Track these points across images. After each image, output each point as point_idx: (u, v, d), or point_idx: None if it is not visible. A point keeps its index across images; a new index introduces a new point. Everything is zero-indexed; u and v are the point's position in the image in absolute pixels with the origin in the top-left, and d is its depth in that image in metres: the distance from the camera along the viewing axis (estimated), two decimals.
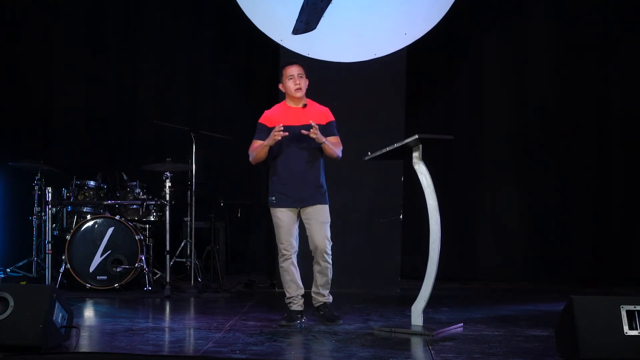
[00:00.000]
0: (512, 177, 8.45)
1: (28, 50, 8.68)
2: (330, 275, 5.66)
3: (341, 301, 6.78)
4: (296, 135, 5.48)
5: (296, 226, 5.60)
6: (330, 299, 5.72)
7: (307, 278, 5.76)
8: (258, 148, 5.53)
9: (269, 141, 5.42)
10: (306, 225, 5.59)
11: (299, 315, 5.60)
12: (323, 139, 5.46)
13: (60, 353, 4.56)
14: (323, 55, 7.46)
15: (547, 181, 8.40)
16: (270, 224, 5.83)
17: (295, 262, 5.64)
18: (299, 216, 5.60)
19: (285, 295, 5.69)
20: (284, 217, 5.56)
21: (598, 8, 8.37)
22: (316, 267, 5.63)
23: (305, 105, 5.62)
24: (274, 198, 5.58)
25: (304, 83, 5.61)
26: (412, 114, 7.89)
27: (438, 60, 8.46)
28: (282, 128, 5.35)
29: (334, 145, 5.56)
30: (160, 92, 8.76)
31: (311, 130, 5.37)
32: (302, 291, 5.65)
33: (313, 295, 5.70)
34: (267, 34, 7.54)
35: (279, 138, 5.38)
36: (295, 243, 5.61)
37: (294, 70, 5.60)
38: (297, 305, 5.63)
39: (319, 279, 5.64)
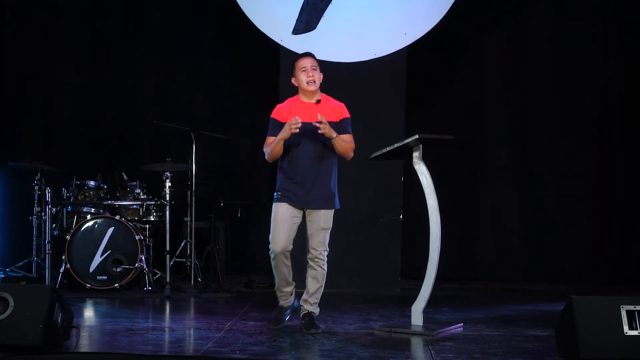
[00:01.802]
0: (512, 177, 8.46)
1: (28, 50, 8.68)
2: (323, 282, 5.41)
3: (341, 301, 6.80)
4: (308, 133, 5.19)
5: (296, 227, 5.32)
6: (317, 311, 5.43)
7: (302, 277, 5.53)
8: (272, 143, 5.23)
9: (284, 134, 5.12)
10: (308, 228, 5.36)
11: (288, 312, 5.47)
12: (334, 134, 5.15)
13: (60, 353, 4.56)
14: (323, 55, 7.38)
15: (547, 181, 8.40)
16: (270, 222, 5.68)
17: (287, 261, 5.33)
18: (303, 217, 5.35)
19: (274, 286, 5.54)
20: (285, 214, 5.27)
21: (598, 8, 8.38)
22: (310, 272, 5.37)
23: (319, 101, 5.33)
24: (279, 194, 5.31)
25: (317, 76, 5.33)
26: (412, 114, 7.89)
27: (438, 60, 8.45)
28: (299, 121, 5.05)
29: (345, 142, 5.25)
30: (160, 92, 8.76)
31: (321, 124, 5.08)
32: (292, 287, 5.45)
33: (301, 303, 5.45)
34: (267, 34, 7.54)
35: (296, 131, 5.08)
36: (290, 244, 5.29)
37: (307, 62, 5.35)
38: (286, 301, 5.47)
39: (311, 285, 5.37)
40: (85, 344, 4.93)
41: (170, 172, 7.40)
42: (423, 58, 8.07)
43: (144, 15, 8.80)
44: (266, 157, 5.36)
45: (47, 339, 4.44)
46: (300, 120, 5.09)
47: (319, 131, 5.13)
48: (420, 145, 5.39)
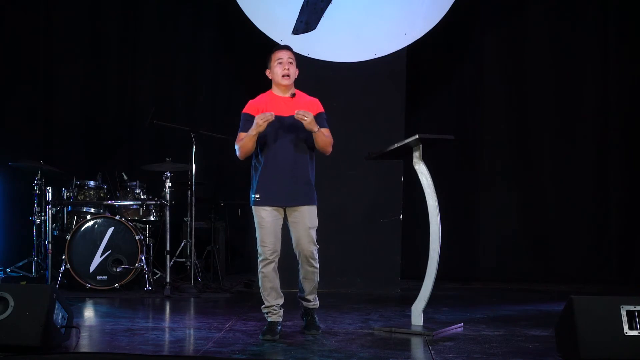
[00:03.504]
0: (512, 176, 8.45)
1: (28, 50, 8.68)
2: (317, 279, 5.25)
3: (341, 301, 6.80)
4: (284, 127, 5.04)
5: (280, 228, 5.13)
6: (316, 304, 5.35)
7: (294, 279, 5.41)
8: (245, 138, 5.04)
9: (259, 127, 4.94)
10: (291, 228, 5.17)
11: (279, 327, 5.17)
12: (315, 127, 4.97)
13: (60, 353, 4.56)
14: (323, 55, 7.46)
15: (547, 181, 8.40)
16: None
17: (277, 267, 5.16)
18: (284, 216, 5.17)
19: (262, 304, 5.23)
20: (268, 217, 5.09)
21: (598, 7, 8.38)
22: (302, 273, 5.22)
23: (293, 95, 5.17)
24: (258, 195, 5.09)
25: (293, 70, 5.16)
26: (412, 114, 7.89)
27: (438, 60, 8.45)
28: (268, 116, 4.90)
29: (324, 135, 5.09)
30: (160, 92, 8.76)
31: (301, 114, 4.90)
32: (282, 300, 5.22)
33: (299, 299, 5.36)
34: (267, 34, 7.54)
35: (271, 119, 4.91)
36: (279, 246, 5.13)
37: (283, 55, 5.19)
38: (277, 315, 5.19)
39: (306, 284, 5.26)
40: (85, 344, 4.93)
41: (170, 172, 7.40)
42: (423, 58, 8.08)
43: (143, 15, 8.81)
44: (237, 154, 5.14)
45: (47, 339, 4.44)
46: (273, 114, 4.92)
47: (303, 123, 4.92)
48: (420, 145, 5.38)
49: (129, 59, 8.78)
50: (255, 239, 5.17)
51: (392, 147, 5.39)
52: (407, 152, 5.45)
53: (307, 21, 7.53)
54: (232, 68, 8.71)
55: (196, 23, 8.74)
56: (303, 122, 4.96)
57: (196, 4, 8.71)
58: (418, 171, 5.43)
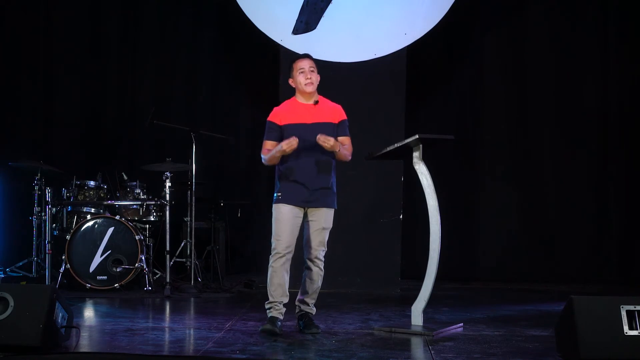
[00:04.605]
0: (512, 176, 8.46)
1: (28, 50, 8.68)
2: (320, 283, 5.37)
3: (341, 301, 6.80)
4: (307, 134, 5.16)
5: (298, 227, 5.24)
6: (314, 310, 5.40)
7: (296, 279, 5.46)
8: (273, 153, 5.20)
9: (281, 152, 5.14)
10: (306, 226, 5.28)
11: (280, 324, 5.23)
12: (337, 147, 5.17)
13: (60, 353, 4.56)
14: (323, 55, 7.42)
15: (547, 181, 8.41)
16: (270, 222, 5.60)
17: (288, 265, 5.23)
18: (304, 217, 5.29)
19: (266, 300, 5.29)
20: (288, 214, 5.20)
21: (598, 8, 8.38)
22: (307, 272, 5.31)
23: (317, 102, 5.32)
24: (280, 194, 5.24)
25: (315, 78, 5.31)
26: (412, 114, 7.89)
27: (438, 60, 8.46)
28: (294, 143, 5.07)
29: (345, 149, 5.27)
30: (160, 92, 8.76)
31: (322, 140, 5.09)
32: (287, 299, 5.26)
33: (297, 303, 5.38)
34: (267, 34, 7.55)
35: (290, 150, 5.11)
36: (293, 244, 5.22)
37: (305, 64, 5.32)
38: (278, 312, 5.24)
39: (308, 285, 5.32)
40: (85, 344, 4.93)
41: (170, 172, 7.40)
42: (423, 58, 8.08)
43: (143, 15, 8.80)
44: (263, 162, 5.34)
45: (47, 339, 4.44)
46: (297, 140, 5.09)
47: (327, 148, 5.12)
48: (420, 145, 5.38)
49: (129, 59, 8.78)
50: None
51: (392, 147, 5.40)
52: (407, 152, 5.45)
53: (307, 21, 7.53)
54: (232, 68, 8.71)
55: (196, 23, 8.73)
56: (325, 146, 5.12)
57: (196, 4, 8.70)
58: (418, 171, 5.43)
